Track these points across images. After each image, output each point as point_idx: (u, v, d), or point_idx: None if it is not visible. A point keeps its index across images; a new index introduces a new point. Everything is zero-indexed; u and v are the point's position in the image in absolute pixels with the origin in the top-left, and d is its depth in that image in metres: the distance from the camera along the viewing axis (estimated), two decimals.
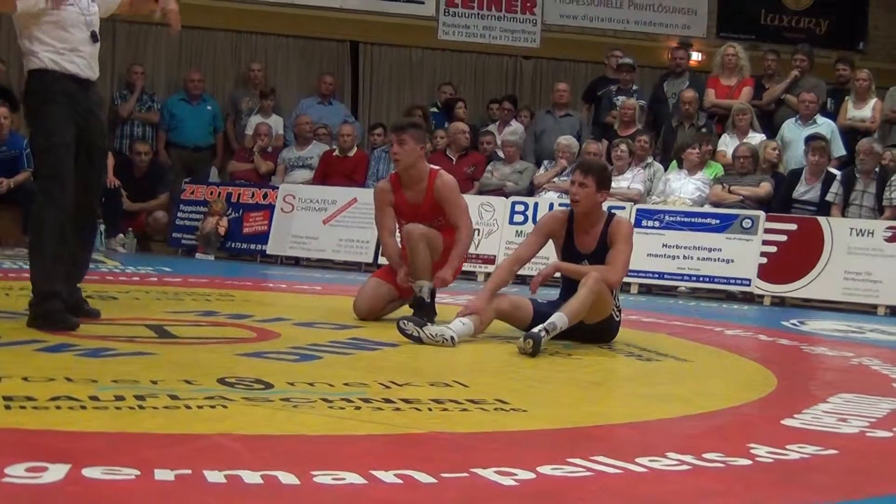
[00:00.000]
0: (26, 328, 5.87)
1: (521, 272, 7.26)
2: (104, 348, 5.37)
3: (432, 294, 7.03)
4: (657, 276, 11.17)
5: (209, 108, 14.27)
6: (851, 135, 12.01)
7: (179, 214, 13.26)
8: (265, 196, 12.92)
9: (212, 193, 13.13)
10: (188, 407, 4.04)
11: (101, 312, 6.48)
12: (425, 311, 6.88)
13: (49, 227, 5.82)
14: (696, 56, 15.07)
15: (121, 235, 12.87)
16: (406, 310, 7.06)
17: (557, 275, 6.64)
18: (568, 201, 7.04)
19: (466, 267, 11.63)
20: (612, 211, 7.01)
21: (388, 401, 4.38)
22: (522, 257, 6.76)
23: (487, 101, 15.11)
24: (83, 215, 6.20)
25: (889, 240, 10.39)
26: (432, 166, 7.42)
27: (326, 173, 13.09)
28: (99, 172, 6.44)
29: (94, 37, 6.04)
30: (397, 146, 7.19)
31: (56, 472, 3.01)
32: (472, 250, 11.68)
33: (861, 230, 10.58)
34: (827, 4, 17.10)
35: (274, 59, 15.34)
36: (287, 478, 3.09)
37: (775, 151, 11.77)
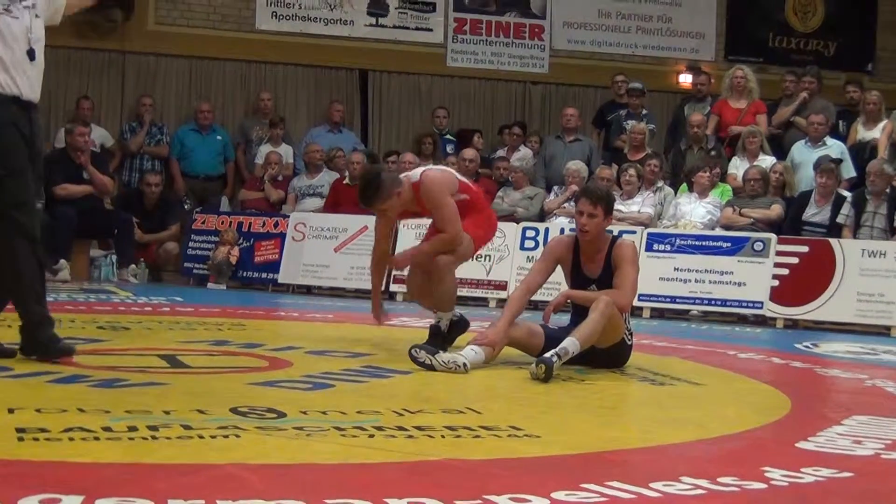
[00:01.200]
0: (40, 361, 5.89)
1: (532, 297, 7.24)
2: (117, 379, 5.38)
3: (449, 326, 7.06)
4: (669, 299, 11.16)
5: (219, 137, 14.34)
6: (861, 156, 12.02)
7: (191, 244, 13.29)
8: (276, 225, 12.95)
9: (223, 223, 13.17)
10: (201, 437, 4.05)
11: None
12: (440, 341, 6.89)
13: (24, 256, 5.67)
14: (686, 78, 15.15)
15: (132, 266, 12.89)
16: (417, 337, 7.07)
17: (568, 301, 6.66)
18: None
19: (478, 293, 11.65)
20: (616, 234, 7.00)
21: (400, 428, 4.38)
22: (533, 285, 6.75)
23: (497, 127, 15.16)
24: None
25: None
26: (413, 177, 7.17)
27: (337, 201, 13.11)
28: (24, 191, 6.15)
29: (30, 54, 5.61)
30: (382, 217, 7.16)
31: (71, 503, 3.02)
32: (483, 276, 11.73)
33: (873, 251, 10.55)
34: (834, 27, 17.14)
35: (283, 88, 15.42)
36: None
37: (776, 174, 11.79)
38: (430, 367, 6.09)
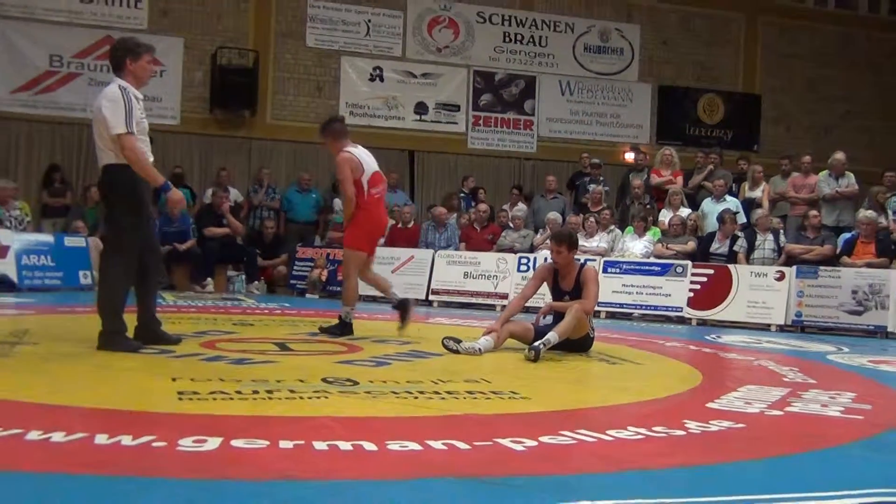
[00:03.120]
0: (199, 346, 5.90)
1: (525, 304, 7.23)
2: (245, 358, 5.40)
3: (397, 305, 7.47)
4: (619, 305, 11.10)
5: (314, 196, 14.37)
6: (750, 208, 12.01)
7: (295, 267, 13.31)
8: None
9: (317, 253, 13.20)
10: (301, 398, 4.06)
11: (244, 334, 6.45)
12: (341, 327, 7.14)
13: (118, 289, 5.56)
14: (630, 155, 15.11)
15: (256, 282, 12.94)
16: (447, 331, 7.04)
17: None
18: None
19: (488, 301, 11.61)
20: (582, 261, 6.99)
21: (436, 393, 4.38)
22: (526, 295, 6.77)
23: (502, 189, 15.16)
24: (154, 264, 5.90)
25: (777, 279, 10.32)
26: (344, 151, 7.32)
27: (393, 239, 13.12)
28: (154, 232, 6.00)
29: (150, 140, 5.73)
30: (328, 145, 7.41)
31: (213, 443, 3.04)
32: (491, 289, 11.71)
33: (758, 273, 10.51)
34: (731, 120, 17.15)
35: None
36: (369, 446, 3.10)
37: (691, 221, 11.80)
38: (456, 352, 6.09)
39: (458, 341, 6.20)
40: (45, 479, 2.65)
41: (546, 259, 10.91)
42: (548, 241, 12.07)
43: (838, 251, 10.77)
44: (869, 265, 10.29)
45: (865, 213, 10.90)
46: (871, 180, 12.46)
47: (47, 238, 11.90)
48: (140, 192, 5.57)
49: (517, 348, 6.38)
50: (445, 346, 6.19)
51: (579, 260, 7.03)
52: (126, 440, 3.04)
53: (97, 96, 5.72)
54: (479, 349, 6.12)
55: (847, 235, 11.03)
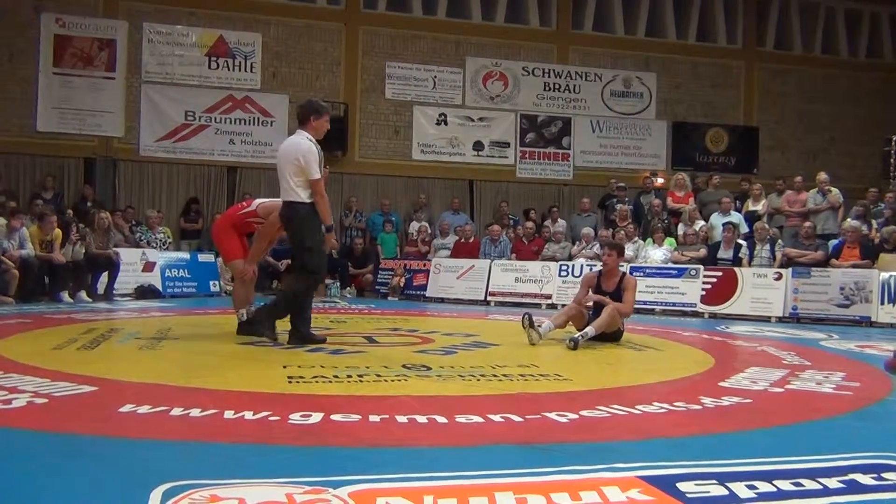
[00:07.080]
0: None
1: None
2: (340, 349, 5.45)
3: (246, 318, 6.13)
4: (643, 303, 10.87)
5: (393, 218, 14.45)
6: (752, 221, 11.76)
7: (379, 275, 13.40)
8: (425, 265, 13.00)
9: (396, 264, 13.26)
10: (386, 380, 4.08)
11: (334, 329, 6.48)
12: (247, 325, 6.01)
13: (307, 300, 5.75)
14: (660, 180, 14.93)
15: (348, 288, 13.05)
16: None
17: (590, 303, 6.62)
18: (591, 264, 7.01)
19: (535, 301, 11.52)
20: (626, 269, 6.94)
21: (494, 376, 4.37)
22: (578, 299, 6.71)
23: (546, 209, 15.04)
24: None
25: (776, 279, 10.06)
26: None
27: (458, 251, 13.13)
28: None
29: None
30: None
31: (316, 417, 3.07)
32: (537, 290, 11.62)
33: (759, 274, 10.24)
34: (734, 147, 16.78)
35: (430, 191, 15.49)
36: (441, 419, 3.10)
37: (702, 232, 11.59)
38: (530, 325, 6.11)
39: (532, 320, 6.19)
40: (186, 445, 2.71)
41: (582, 266, 10.84)
42: (583, 252, 12.05)
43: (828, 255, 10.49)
44: (854, 266, 9.99)
45: (851, 223, 10.62)
46: (853, 195, 12.20)
47: (185, 255, 12.32)
48: (314, 222, 5.56)
49: (561, 340, 6.33)
50: (523, 319, 6.23)
51: (622, 267, 6.99)
52: (248, 415, 3.09)
53: (285, 142, 5.71)
54: (548, 328, 6.18)
55: (835, 242, 10.73)
